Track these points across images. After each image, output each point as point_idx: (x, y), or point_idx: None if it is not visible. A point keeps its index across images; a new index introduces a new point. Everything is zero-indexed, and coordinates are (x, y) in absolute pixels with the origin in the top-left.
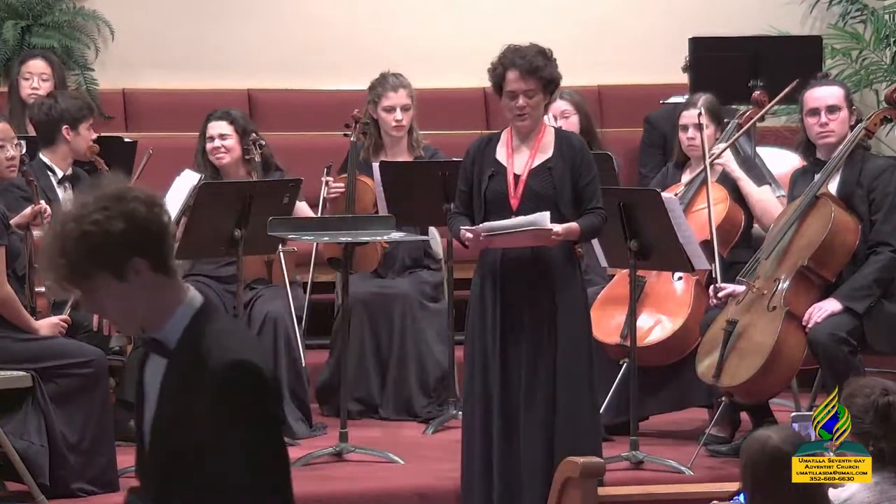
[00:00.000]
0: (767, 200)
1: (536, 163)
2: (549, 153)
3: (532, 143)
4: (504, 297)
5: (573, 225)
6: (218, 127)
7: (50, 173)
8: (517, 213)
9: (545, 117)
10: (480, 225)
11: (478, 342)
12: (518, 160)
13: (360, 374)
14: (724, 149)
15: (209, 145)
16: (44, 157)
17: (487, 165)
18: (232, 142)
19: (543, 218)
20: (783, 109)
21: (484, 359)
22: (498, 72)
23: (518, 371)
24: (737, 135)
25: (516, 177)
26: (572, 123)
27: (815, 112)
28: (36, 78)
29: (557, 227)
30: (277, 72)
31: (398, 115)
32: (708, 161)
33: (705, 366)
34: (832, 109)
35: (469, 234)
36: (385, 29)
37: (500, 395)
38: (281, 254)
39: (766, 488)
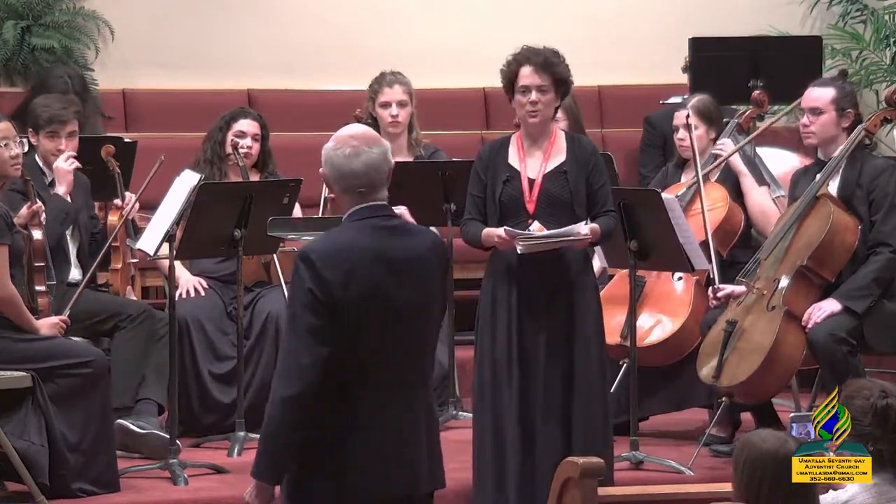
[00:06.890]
0: (764, 203)
1: (551, 167)
2: (563, 157)
3: (544, 146)
4: (521, 302)
5: (596, 226)
6: (252, 126)
7: (43, 175)
8: (534, 217)
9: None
10: (521, 233)
11: (487, 348)
12: (531, 164)
13: None
14: (733, 152)
15: (240, 140)
16: (37, 157)
17: (501, 170)
18: (258, 146)
19: (578, 227)
20: (783, 110)
21: (498, 364)
22: (511, 68)
23: (536, 379)
24: (745, 141)
25: (531, 181)
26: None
27: (802, 111)
28: None
29: (587, 231)
30: (277, 72)
31: (394, 110)
32: (700, 165)
33: (706, 368)
34: (814, 112)
35: (503, 234)
36: (385, 29)
37: (517, 402)
38: (274, 255)
39: (760, 491)
